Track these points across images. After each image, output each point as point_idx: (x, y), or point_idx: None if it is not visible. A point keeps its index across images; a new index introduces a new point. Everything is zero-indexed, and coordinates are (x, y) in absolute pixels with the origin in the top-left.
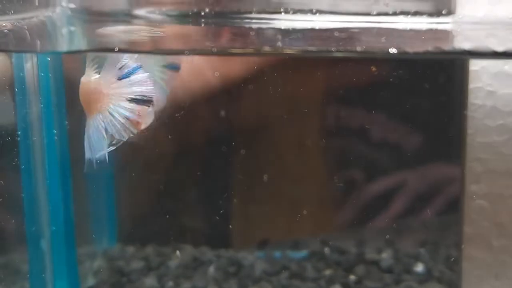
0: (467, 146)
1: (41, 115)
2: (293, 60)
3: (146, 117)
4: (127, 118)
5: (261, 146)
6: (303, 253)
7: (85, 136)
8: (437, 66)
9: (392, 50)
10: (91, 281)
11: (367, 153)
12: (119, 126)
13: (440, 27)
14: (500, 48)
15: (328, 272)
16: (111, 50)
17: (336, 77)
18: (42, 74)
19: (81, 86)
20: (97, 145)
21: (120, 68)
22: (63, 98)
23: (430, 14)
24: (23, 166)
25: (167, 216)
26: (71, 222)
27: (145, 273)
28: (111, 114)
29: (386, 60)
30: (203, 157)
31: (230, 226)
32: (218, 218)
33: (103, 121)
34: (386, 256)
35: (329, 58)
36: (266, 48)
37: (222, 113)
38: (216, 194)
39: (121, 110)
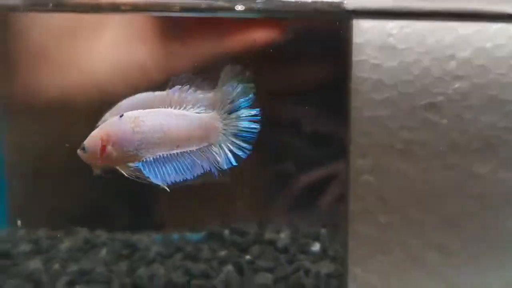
0: (352, 120)
1: None
2: None
3: None
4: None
5: None
6: (200, 235)
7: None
8: (320, 39)
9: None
10: None
11: None
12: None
13: None
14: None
15: (223, 253)
16: None
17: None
18: None
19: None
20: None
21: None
22: None
23: None
24: None
25: (62, 199)
26: None
27: (32, 256)
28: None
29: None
30: None
31: (130, 209)
32: (117, 200)
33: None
34: (283, 236)
35: None
36: None
37: None
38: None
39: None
